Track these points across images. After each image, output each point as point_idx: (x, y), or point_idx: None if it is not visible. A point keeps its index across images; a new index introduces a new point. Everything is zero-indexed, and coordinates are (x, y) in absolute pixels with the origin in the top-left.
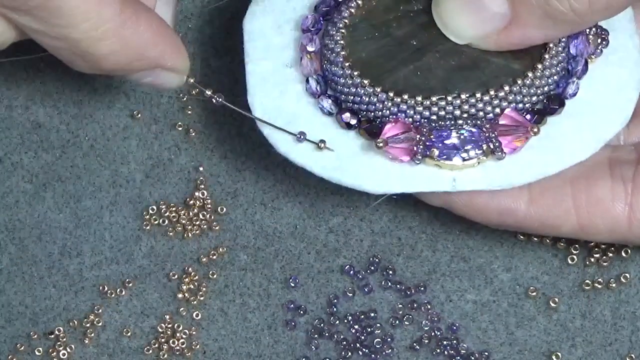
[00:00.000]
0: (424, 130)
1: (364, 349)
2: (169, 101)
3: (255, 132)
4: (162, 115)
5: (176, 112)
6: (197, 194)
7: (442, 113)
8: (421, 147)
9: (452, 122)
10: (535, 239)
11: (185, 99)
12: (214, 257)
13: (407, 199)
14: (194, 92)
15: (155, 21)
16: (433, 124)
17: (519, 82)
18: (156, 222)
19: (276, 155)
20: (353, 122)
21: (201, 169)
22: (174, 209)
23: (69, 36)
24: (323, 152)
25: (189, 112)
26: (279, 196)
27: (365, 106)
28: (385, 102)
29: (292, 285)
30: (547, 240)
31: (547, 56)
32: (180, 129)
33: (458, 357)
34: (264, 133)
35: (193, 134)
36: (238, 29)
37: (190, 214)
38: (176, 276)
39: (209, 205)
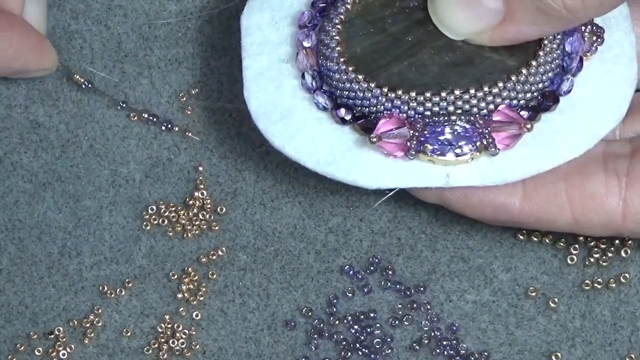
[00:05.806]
0: (418, 125)
1: (363, 349)
2: (169, 101)
3: (255, 132)
4: (162, 115)
5: (175, 112)
6: (196, 194)
7: (436, 109)
8: (415, 142)
9: (446, 118)
10: (535, 239)
11: (184, 99)
12: (214, 257)
13: (405, 197)
14: (193, 91)
15: (16, 36)
16: (427, 120)
17: (513, 78)
18: (156, 222)
19: (276, 155)
20: (348, 117)
21: (200, 169)
22: (173, 209)
23: None
24: (318, 147)
25: (189, 112)
26: (278, 196)
27: (359, 101)
28: (379, 98)
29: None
30: (547, 240)
31: (541, 53)
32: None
33: (458, 358)
34: (259, 127)
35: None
36: (238, 29)
37: (190, 214)
38: (176, 276)
39: (209, 205)
